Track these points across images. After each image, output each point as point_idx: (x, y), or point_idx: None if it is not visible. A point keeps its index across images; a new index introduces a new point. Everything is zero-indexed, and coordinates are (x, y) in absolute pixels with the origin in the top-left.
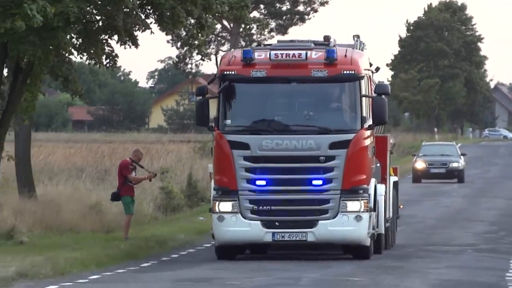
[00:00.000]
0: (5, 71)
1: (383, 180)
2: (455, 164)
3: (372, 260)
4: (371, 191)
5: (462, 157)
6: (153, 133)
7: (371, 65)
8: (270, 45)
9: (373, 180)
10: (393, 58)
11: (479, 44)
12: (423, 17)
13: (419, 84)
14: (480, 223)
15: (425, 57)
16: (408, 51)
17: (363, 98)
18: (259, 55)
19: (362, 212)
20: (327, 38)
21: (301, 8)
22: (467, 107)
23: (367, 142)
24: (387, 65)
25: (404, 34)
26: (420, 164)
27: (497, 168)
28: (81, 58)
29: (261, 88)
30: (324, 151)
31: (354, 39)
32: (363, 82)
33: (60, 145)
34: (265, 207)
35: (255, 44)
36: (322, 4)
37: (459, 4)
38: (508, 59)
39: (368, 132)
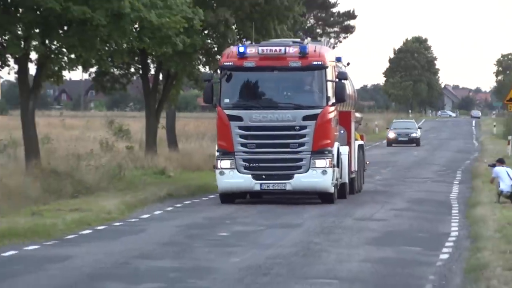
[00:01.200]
0: (160, 77)
1: (348, 143)
2: (414, 134)
3: (363, 194)
4: (335, 152)
5: (419, 129)
6: None
7: (339, 60)
8: (259, 43)
9: (336, 144)
10: (385, 69)
11: (435, 61)
12: (403, 46)
13: (401, 84)
14: (435, 165)
15: (404, 69)
16: (395, 66)
17: (328, 83)
18: (250, 50)
19: (327, 167)
20: (302, 38)
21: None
22: (428, 98)
23: (331, 115)
24: (383, 73)
25: (392, 55)
26: (391, 134)
27: (445, 133)
28: (204, 69)
29: (251, 75)
30: (299, 122)
31: (323, 40)
32: (328, 70)
33: (192, 120)
34: (254, 164)
35: (248, 42)
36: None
37: (423, 38)
38: (451, 70)
39: (331, 108)
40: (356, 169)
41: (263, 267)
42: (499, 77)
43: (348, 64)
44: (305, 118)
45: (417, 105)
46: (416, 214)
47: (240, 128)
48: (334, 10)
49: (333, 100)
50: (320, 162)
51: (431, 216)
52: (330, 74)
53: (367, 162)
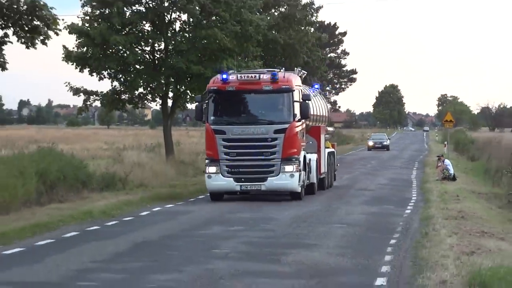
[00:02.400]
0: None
1: (318, 151)
2: (385, 143)
3: (362, 174)
4: (301, 159)
5: (388, 140)
6: None
7: (320, 87)
8: (240, 71)
9: (303, 152)
10: (374, 103)
11: (402, 98)
12: (384, 89)
13: (382, 111)
14: (402, 159)
15: (384, 103)
16: (379, 101)
17: (295, 103)
18: (232, 77)
19: (294, 172)
20: (279, 69)
21: None
22: (398, 120)
23: (297, 129)
24: (372, 105)
25: (377, 94)
26: (370, 143)
27: (408, 140)
28: None
29: (232, 97)
30: (271, 135)
31: (296, 71)
32: (295, 93)
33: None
34: (235, 169)
35: (231, 71)
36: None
37: (395, 84)
38: (412, 103)
39: (298, 123)
40: (326, 171)
41: (302, 217)
42: (439, 107)
43: (321, 88)
44: (276, 131)
45: (392, 124)
46: (391, 187)
47: (224, 140)
48: (344, 68)
49: (299, 117)
50: (288, 167)
51: (401, 188)
52: (297, 96)
53: (338, 165)
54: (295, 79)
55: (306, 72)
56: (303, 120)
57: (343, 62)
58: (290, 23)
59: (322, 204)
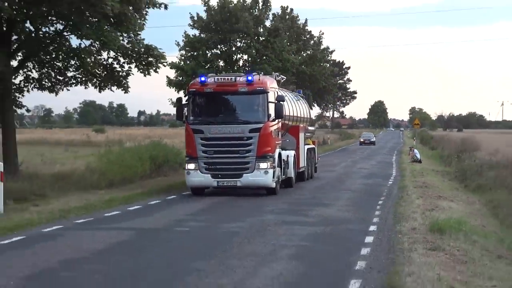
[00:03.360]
0: None
1: (296, 148)
2: (372, 139)
3: (360, 158)
4: (276, 156)
5: (374, 137)
6: None
7: (280, 85)
8: (218, 74)
9: (277, 150)
10: (368, 112)
11: (387, 110)
12: (374, 103)
13: (373, 118)
14: (385, 149)
15: (374, 113)
16: (371, 111)
17: (269, 104)
18: (210, 80)
19: (268, 168)
20: (258, 72)
21: None
22: (384, 123)
23: (271, 128)
24: (367, 114)
25: (370, 106)
26: (361, 139)
27: (389, 137)
28: None
29: (210, 98)
30: (246, 134)
31: (273, 75)
32: (269, 94)
33: None
34: (212, 166)
35: (210, 74)
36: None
37: (382, 100)
38: (393, 112)
39: (272, 123)
40: (305, 165)
41: (320, 187)
42: (410, 115)
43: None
44: (251, 130)
45: (379, 126)
46: (380, 166)
47: (202, 139)
48: (348, 90)
49: (273, 117)
50: (263, 164)
51: (385, 167)
52: (271, 97)
53: (318, 159)
54: (270, 82)
55: (284, 77)
56: (278, 120)
57: (348, 86)
58: (313, 61)
59: (334, 179)
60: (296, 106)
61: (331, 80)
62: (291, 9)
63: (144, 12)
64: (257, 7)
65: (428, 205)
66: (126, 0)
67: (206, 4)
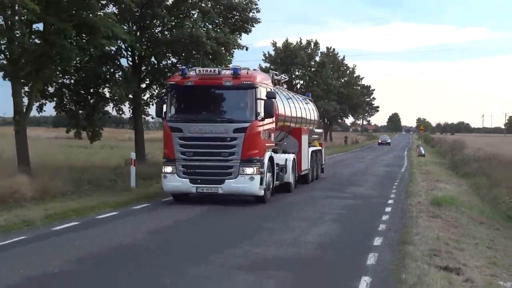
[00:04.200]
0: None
1: (299, 150)
2: (388, 141)
3: (380, 154)
4: (265, 161)
5: (390, 139)
6: None
7: (276, 83)
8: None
9: (268, 153)
10: (387, 120)
11: (400, 119)
12: (390, 116)
13: (391, 125)
14: (399, 146)
15: (392, 122)
16: (389, 120)
17: (258, 100)
18: (192, 72)
19: (254, 174)
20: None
21: None
22: (398, 128)
23: (259, 128)
24: (386, 122)
25: (388, 116)
26: (379, 140)
27: (402, 139)
28: None
29: (191, 93)
30: (230, 134)
31: (270, 73)
32: (258, 90)
33: None
34: (191, 170)
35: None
36: None
37: (397, 112)
38: (405, 120)
39: (260, 122)
40: (308, 167)
41: (352, 174)
42: (417, 123)
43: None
44: (236, 130)
45: (395, 130)
46: (395, 158)
47: (180, 138)
48: (374, 105)
49: (262, 115)
50: (248, 170)
51: (399, 159)
52: (261, 93)
53: (325, 160)
54: (261, 77)
55: (287, 77)
56: (272, 119)
57: (373, 102)
58: (349, 85)
59: (364, 165)
60: (300, 108)
61: (361, 98)
62: (334, 49)
63: (232, 51)
64: (310, 47)
65: (429, 186)
66: (220, 43)
67: (274, 45)
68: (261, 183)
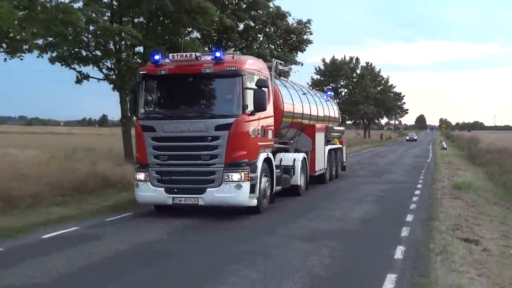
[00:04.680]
0: None
1: (312, 149)
2: (415, 137)
3: (408, 147)
4: (258, 163)
5: (416, 136)
6: None
7: (276, 72)
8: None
9: (263, 155)
10: (415, 120)
11: (426, 120)
12: (416, 118)
13: (418, 124)
14: (424, 142)
15: (419, 122)
16: (417, 121)
17: (246, 90)
18: (166, 60)
19: (242, 181)
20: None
21: None
22: (424, 127)
23: (247, 125)
24: (414, 122)
25: (416, 116)
26: (407, 137)
27: (427, 135)
28: None
29: (165, 84)
30: (211, 132)
31: (273, 61)
32: (245, 77)
33: None
34: (166, 177)
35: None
36: None
37: (424, 115)
38: (431, 120)
39: (249, 117)
40: (325, 167)
41: (386, 163)
42: (440, 122)
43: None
44: (218, 128)
45: (421, 128)
46: (422, 151)
47: (153, 139)
48: (404, 108)
49: (251, 108)
50: (234, 175)
51: (425, 152)
52: (249, 82)
53: (347, 158)
54: (250, 62)
55: (291, 67)
56: (263, 114)
57: (403, 106)
58: (384, 92)
59: (396, 157)
60: (316, 104)
61: (394, 103)
62: (371, 63)
63: (290, 67)
64: (352, 62)
65: (451, 174)
66: (280, 61)
67: (323, 61)
68: (252, 191)
